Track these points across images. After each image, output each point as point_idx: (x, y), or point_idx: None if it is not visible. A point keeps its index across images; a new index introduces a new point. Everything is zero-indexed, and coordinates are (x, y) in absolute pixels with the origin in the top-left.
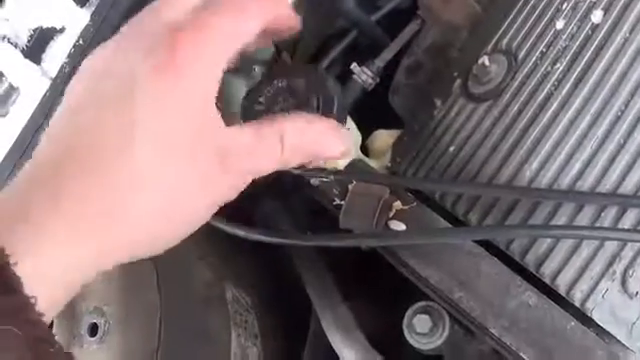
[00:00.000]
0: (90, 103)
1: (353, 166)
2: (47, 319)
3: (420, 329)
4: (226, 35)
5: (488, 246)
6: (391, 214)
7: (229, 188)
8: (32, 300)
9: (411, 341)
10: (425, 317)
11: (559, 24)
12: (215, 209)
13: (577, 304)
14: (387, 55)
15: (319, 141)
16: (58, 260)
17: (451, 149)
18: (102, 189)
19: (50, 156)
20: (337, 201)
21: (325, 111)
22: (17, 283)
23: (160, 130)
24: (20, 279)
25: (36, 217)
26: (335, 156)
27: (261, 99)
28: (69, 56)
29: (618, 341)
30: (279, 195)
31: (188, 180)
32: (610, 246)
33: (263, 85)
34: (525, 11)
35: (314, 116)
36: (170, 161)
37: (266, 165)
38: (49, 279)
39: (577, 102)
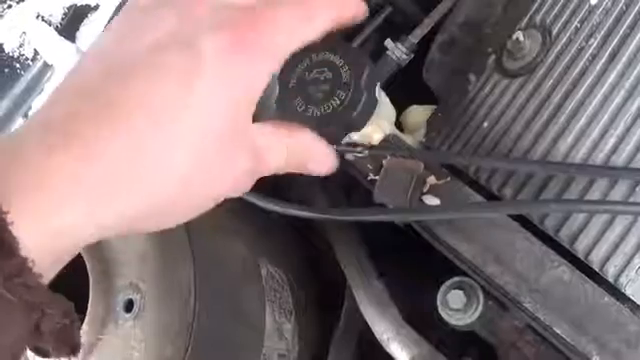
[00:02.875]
0: (144, 60)
1: (387, 141)
2: (46, 279)
3: (454, 305)
4: (293, 31)
5: (522, 221)
6: (425, 189)
7: (240, 182)
8: (29, 264)
9: (445, 317)
10: (459, 292)
11: None
12: (222, 197)
13: (611, 279)
14: (421, 31)
15: (313, 159)
16: (72, 220)
17: (485, 124)
18: (137, 146)
19: (89, 104)
20: (371, 176)
21: (356, 81)
22: (14, 245)
23: (210, 106)
24: (17, 240)
25: (55, 172)
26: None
27: (296, 72)
28: None
29: None
30: None
31: (215, 160)
32: None
33: (296, 59)
34: None
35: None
36: (208, 136)
37: (270, 168)
38: (54, 239)
39: (611, 77)
